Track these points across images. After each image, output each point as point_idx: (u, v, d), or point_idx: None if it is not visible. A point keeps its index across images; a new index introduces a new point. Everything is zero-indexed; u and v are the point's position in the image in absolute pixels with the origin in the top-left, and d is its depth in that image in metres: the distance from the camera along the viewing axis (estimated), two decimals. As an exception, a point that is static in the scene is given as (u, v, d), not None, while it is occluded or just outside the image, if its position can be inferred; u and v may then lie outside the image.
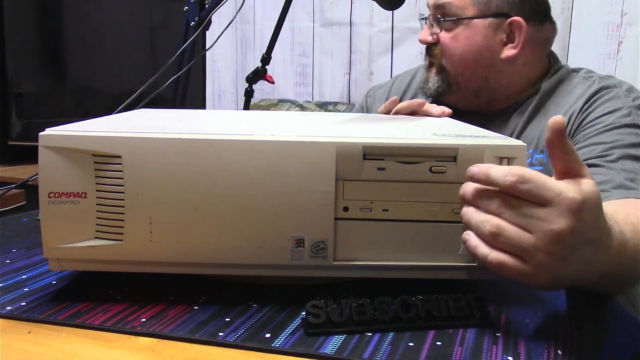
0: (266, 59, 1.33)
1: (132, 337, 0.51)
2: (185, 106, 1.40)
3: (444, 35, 1.07)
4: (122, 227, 0.56)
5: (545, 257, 0.49)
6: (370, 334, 0.52)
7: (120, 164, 0.56)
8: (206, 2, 1.33)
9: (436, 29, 1.08)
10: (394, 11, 1.75)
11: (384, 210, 0.58)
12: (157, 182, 0.56)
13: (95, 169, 0.56)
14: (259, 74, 1.34)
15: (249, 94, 1.39)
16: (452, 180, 0.57)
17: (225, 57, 2.53)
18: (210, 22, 1.34)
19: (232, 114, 0.88)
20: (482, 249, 0.52)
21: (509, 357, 0.49)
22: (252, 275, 0.60)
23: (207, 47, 1.37)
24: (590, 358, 0.53)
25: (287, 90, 2.41)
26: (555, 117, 0.52)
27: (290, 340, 0.51)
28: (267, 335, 0.52)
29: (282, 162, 0.56)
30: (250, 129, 0.68)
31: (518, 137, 1.05)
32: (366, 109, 1.32)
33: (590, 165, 0.89)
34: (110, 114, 0.78)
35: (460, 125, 0.80)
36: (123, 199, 0.56)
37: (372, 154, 0.57)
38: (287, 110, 2.24)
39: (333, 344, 0.50)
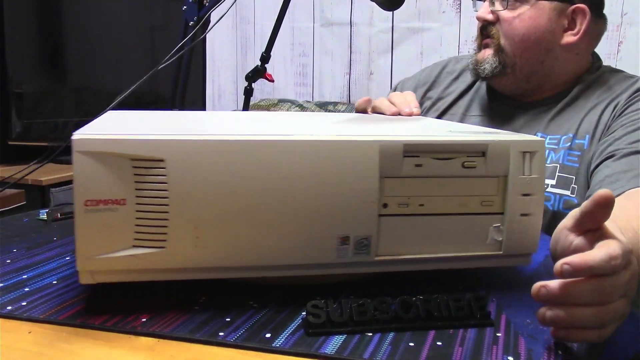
0: (265, 57, 1.33)
1: (133, 337, 0.51)
2: (185, 106, 1.40)
3: (508, 14, 1.04)
4: (165, 233, 0.54)
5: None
6: (371, 334, 0.52)
7: (163, 167, 0.53)
8: (205, 1, 1.33)
9: (498, 7, 1.06)
10: (394, 11, 1.75)
11: (420, 205, 0.60)
12: (202, 186, 0.54)
13: (135, 174, 0.53)
14: (258, 73, 1.34)
15: (248, 92, 1.39)
16: (482, 174, 0.61)
17: (225, 57, 2.53)
18: (209, 21, 1.34)
19: (252, 115, 0.88)
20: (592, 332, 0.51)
21: (509, 357, 0.49)
22: (254, 277, 0.60)
23: (203, 41, 1.36)
24: (591, 358, 0.52)
25: (287, 90, 2.41)
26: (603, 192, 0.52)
27: (291, 340, 0.51)
28: (267, 335, 0.51)
29: (328, 162, 0.56)
30: (286, 129, 0.68)
31: (551, 121, 1.06)
32: None
33: (624, 155, 0.91)
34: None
35: (459, 124, 0.83)
36: (167, 204, 0.53)
37: (411, 151, 0.59)
38: (287, 110, 2.24)
39: (333, 344, 0.50)
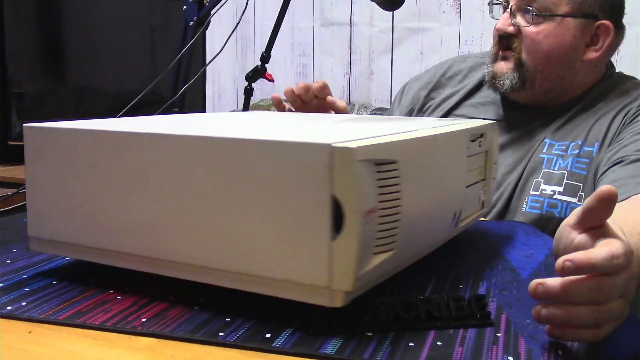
0: (265, 57, 1.33)
1: (133, 337, 0.51)
2: (186, 106, 1.40)
3: (532, 30, 1.02)
4: (396, 235, 0.53)
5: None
6: (371, 334, 0.52)
7: (396, 169, 0.53)
8: (205, 1, 1.33)
9: (520, 21, 1.03)
10: (394, 11, 1.75)
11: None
12: (419, 182, 0.58)
13: (378, 179, 0.52)
14: (258, 72, 1.34)
15: (248, 92, 1.39)
16: (482, 150, 0.77)
17: (225, 57, 2.53)
18: (209, 22, 1.34)
19: (253, 115, 0.90)
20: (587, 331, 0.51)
21: (509, 358, 0.49)
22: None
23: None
24: (591, 359, 0.52)
25: (287, 90, 2.41)
26: (607, 188, 0.51)
27: (291, 340, 0.51)
28: (268, 335, 0.51)
29: (449, 149, 0.67)
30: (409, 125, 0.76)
31: (559, 128, 1.06)
32: (401, 100, 1.32)
33: (631, 162, 0.91)
34: (111, 114, 0.78)
35: (441, 120, 0.96)
36: (399, 205, 0.53)
37: (471, 135, 0.72)
38: (288, 110, 2.23)
39: (333, 344, 0.50)
